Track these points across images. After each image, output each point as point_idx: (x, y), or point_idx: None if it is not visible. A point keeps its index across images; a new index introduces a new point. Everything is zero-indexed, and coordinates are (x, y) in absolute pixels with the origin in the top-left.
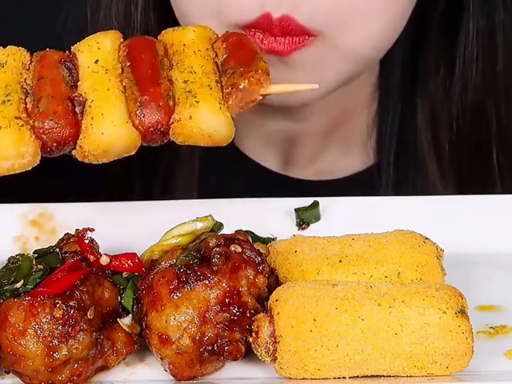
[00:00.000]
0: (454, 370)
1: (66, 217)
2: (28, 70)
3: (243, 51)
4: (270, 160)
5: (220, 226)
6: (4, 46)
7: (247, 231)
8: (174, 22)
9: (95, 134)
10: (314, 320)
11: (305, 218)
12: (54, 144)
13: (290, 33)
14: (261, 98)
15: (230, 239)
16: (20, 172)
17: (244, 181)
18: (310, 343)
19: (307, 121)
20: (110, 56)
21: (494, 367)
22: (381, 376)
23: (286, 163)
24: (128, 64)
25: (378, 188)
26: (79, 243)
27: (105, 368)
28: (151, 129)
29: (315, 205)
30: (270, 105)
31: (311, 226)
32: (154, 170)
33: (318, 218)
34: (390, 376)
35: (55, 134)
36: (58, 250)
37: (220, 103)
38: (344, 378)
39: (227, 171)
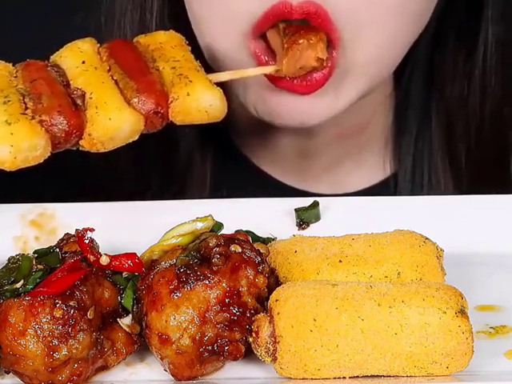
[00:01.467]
0: (454, 370)
1: (66, 217)
2: (16, 77)
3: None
4: (282, 173)
5: (220, 226)
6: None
7: (247, 231)
8: (188, 31)
9: (103, 120)
10: (314, 320)
11: (305, 218)
12: (63, 135)
13: (310, 18)
14: (315, 65)
15: (230, 239)
16: (31, 166)
17: (255, 193)
18: (310, 343)
19: (320, 134)
20: (94, 57)
21: (494, 367)
22: (381, 376)
23: (298, 176)
24: (113, 62)
25: None
26: (79, 243)
27: (105, 368)
28: (152, 112)
29: (315, 205)
30: (286, 126)
31: (311, 226)
32: (166, 182)
33: (318, 218)
34: (390, 376)
35: (63, 126)
36: (57, 250)
37: (210, 81)
38: (344, 378)
39: (239, 184)
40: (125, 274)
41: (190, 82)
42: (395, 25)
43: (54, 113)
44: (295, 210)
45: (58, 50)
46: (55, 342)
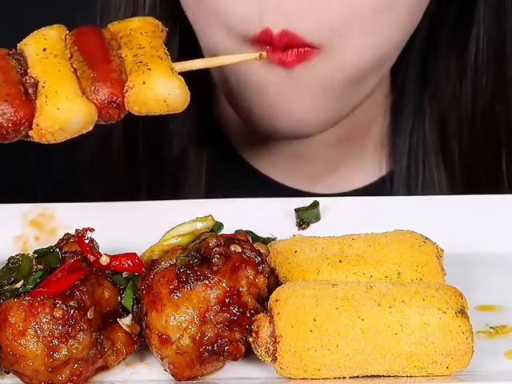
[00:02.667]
0: (454, 370)
1: (66, 217)
2: None
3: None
4: (279, 173)
5: (220, 226)
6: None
7: (247, 231)
8: (181, 27)
9: (51, 110)
10: (314, 320)
11: (305, 218)
12: (10, 125)
13: (291, 46)
14: None
15: (230, 239)
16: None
17: (251, 193)
18: (310, 343)
19: (317, 138)
20: (58, 44)
21: (494, 367)
22: (381, 376)
23: (295, 177)
24: (76, 48)
25: None
26: (79, 243)
27: (105, 368)
28: (106, 101)
29: (315, 205)
30: (279, 137)
31: (311, 226)
32: (159, 183)
33: (318, 218)
34: (390, 376)
35: (10, 115)
36: (57, 250)
37: (172, 69)
38: (344, 378)
39: (236, 185)
40: (125, 274)
41: (149, 69)
42: (380, 30)
43: (1, 102)
44: (295, 210)
45: None
46: (55, 342)
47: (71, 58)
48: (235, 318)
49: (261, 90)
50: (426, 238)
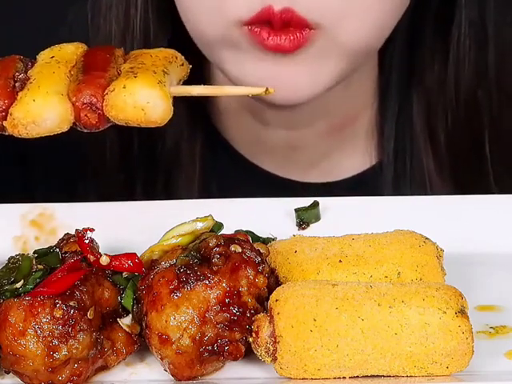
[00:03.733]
0: (454, 370)
1: (66, 217)
2: None
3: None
4: (270, 164)
5: (220, 226)
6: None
7: (247, 231)
8: (173, 25)
9: (28, 101)
10: (314, 320)
11: (305, 218)
12: None
13: (290, 25)
14: None
15: (230, 239)
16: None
17: (245, 184)
18: (310, 343)
19: (309, 126)
20: (68, 55)
21: (494, 367)
22: (381, 376)
23: (287, 167)
24: (81, 59)
25: (379, 187)
26: (79, 243)
27: (105, 368)
28: (85, 103)
29: (315, 205)
30: (269, 103)
31: (311, 226)
32: (153, 178)
33: (318, 218)
34: (390, 376)
35: None
36: (57, 250)
37: (160, 82)
38: (344, 378)
39: (227, 175)
40: (125, 274)
41: (135, 77)
42: (377, 12)
43: None
44: (295, 210)
45: (46, 46)
46: (55, 342)
47: (74, 66)
48: (235, 318)
49: (256, 73)
50: (426, 238)
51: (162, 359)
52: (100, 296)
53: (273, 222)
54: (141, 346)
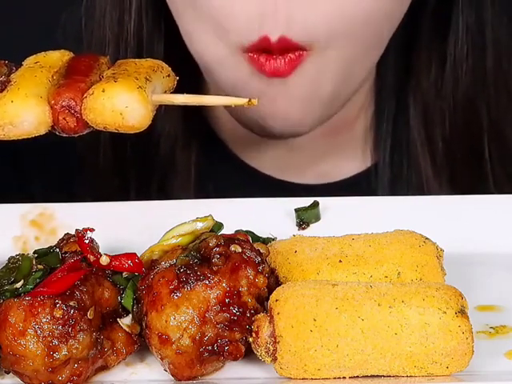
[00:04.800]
0: (454, 370)
1: (66, 217)
2: None
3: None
4: (267, 166)
5: (220, 226)
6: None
7: (247, 231)
8: (166, 31)
9: (5, 102)
10: (314, 320)
11: (305, 218)
12: None
13: (287, 51)
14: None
15: (230, 239)
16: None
17: (241, 187)
18: (310, 343)
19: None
20: (52, 61)
21: (494, 367)
22: (381, 376)
23: (283, 168)
24: (65, 65)
25: (376, 189)
26: (79, 243)
27: (105, 368)
28: (64, 106)
29: (315, 205)
30: (274, 136)
31: (311, 226)
32: (148, 180)
33: (318, 218)
34: (389, 376)
35: None
36: (57, 250)
37: (140, 87)
38: (344, 378)
39: (224, 177)
40: (125, 274)
41: (115, 81)
42: (368, 31)
43: None
44: (295, 210)
45: (39, 50)
46: (55, 342)
47: (56, 71)
48: (235, 318)
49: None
50: (426, 238)
51: (162, 359)
52: (100, 296)
53: (273, 222)
54: (141, 345)
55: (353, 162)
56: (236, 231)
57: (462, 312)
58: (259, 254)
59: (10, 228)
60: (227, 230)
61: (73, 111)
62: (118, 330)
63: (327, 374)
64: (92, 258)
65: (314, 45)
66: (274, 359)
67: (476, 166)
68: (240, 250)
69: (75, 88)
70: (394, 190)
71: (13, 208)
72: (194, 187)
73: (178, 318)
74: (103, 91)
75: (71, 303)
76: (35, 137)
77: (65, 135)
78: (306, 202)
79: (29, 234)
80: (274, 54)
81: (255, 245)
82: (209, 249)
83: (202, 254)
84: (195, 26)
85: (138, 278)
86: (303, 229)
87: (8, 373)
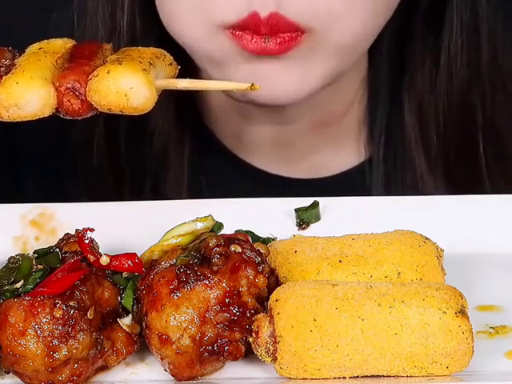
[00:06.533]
0: (454, 370)
1: (66, 217)
2: None
3: None
4: (260, 160)
5: (220, 226)
6: None
7: (247, 231)
8: (159, 27)
9: (10, 84)
10: (314, 320)
11: (305, 218)
12: None
13: (278, 31)
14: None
15: (230, 239)
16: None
17: (234, 181)
18: (310, 343)
19: (296, 122)
20: (55, 47)
21: (494, 367)
22: (381, 376)
23: (276, 163)
24: (69, 51)
25: (369, 184)
26: (79, 243)
27: (105, 368)
28: (68, 87)
29: (315, 205)
30: (258, 104)
31: (311, 226)
32: (141, 175)
33: (317, 218)
34: (390, 376)
35: None
36: (57, 250)
37: (145, 70)
38: (344, 378)
39: (217, 172)
40: (125, 274)
41: (120, 64)
42: (367, 14)
43: None
44: (295, 210)
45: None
46: (55, 342)
47: (60, 57)
48: (235, 318)
49: (237, 74)
50: (426, 238)
51: (162, 359)
52: (100, 296)
53: (273, 222)
54: (141, 345)
55: (346, 157)
56: (236, 231)
57: (462, 312)
58: (259, 253)
59: (10, 228)
60: (227, 230)
61: (77, 93)
62: (118, 330)
63: (327, 374)
64: (92, 258)
65: (312, 26)
66: (274, 359)
67: (471, 161)
68: (240, 250)
69: (80, 70)
70: (388, 185)
71: (13, 208)
72: (188, 182)
73: (178, 318)
74: (108, 73)
75: (71, 303)
76: (39, 119)
77: (69, 118)
78: (306, 201)
79: (29, 234)
80: (263, 34)
81: (255, 245)
82: (209, 249)
83: (202, 254)
84: (173, 5)
85: (138, 277)
86: (303, 229)
87: (8, 373)
